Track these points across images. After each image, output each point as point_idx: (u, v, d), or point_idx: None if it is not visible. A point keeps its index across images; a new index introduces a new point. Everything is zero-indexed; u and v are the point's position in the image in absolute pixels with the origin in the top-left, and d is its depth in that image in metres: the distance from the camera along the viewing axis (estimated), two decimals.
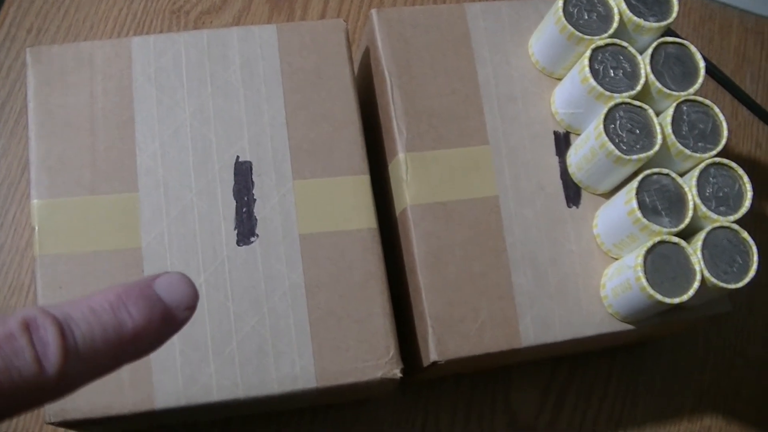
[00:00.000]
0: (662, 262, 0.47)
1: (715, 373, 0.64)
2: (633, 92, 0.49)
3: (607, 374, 0.62)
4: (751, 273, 0.47)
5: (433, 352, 0.48)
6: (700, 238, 0.47)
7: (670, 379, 0.63)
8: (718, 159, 0.49)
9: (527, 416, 0.61)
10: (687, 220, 0.48)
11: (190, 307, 0.26)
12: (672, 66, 0.51)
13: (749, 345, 0.65)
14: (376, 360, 0.47)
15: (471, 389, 0.60)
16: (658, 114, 0.50)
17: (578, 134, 0.53)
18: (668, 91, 0.50)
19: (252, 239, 0.49)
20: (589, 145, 0.49)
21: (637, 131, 0.49)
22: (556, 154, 0.53)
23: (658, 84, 0.50)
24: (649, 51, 0.50)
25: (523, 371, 0.61)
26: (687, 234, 0.48)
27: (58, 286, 0.47)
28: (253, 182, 0.50)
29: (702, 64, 0.51)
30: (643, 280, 0.46)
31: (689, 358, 0.64)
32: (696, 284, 0.46)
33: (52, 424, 0.45)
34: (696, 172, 0.49)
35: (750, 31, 0.74)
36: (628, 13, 0.51)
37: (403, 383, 0.49)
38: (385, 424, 0.59)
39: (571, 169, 0.52)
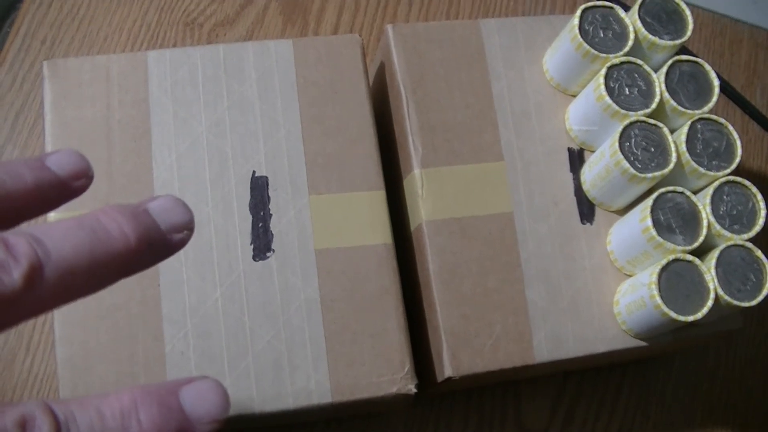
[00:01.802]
0: (676, 280, 0.47)
1: (726, 386, 0.64)
2: (648, 110, 0.50)
3: (618, 387, 0.63)
4: (765, 291, 0.47)
5: (447, 367, 0.48)
6: (713, 256, 0.47)
7: (681, 391, 0.63)
8: (732, 177, 0.49)
9: (538, 429, 0.61)
10: (701, 238, 0.48)
11: (215, 420, 0.24)
12: (686, 84, 0.51)
13: (759, 358, 0.65)
14: (391, 375, 0.48)
15: (482, 402, 0.61)
16: (672, 132, 0.50)
17: (592, 151, 0.53)
18: (683, 110, 0.50)
19: (268, 254, 0.49)
20: (604, 163, 0.49)
21: (652, 149, 0.49)
22: (570, 171, 0.53)
23: (672, 102, 0.50)
24: (664, 69, 0.51)
25: (533, 384, 0.62)
26: (701, 252, 0.48)
27: None
28: (269, 197, 0.50)
29: (716, 82, 0.51)
30: (658, 298, 0.46)
31: (700, 371, 0.64)
32: (710, 302, 0.46)
33: None
34: (710, 191, 0.49)
35: (760, 46, 0.74)
36: (643, 31, 0.51)
37: (415, 396, 0.49)
38: None
39: (585, 186, 0.52)
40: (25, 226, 0.24)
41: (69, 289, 0.23)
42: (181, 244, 0.26)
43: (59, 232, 0.23)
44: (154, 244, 0.26)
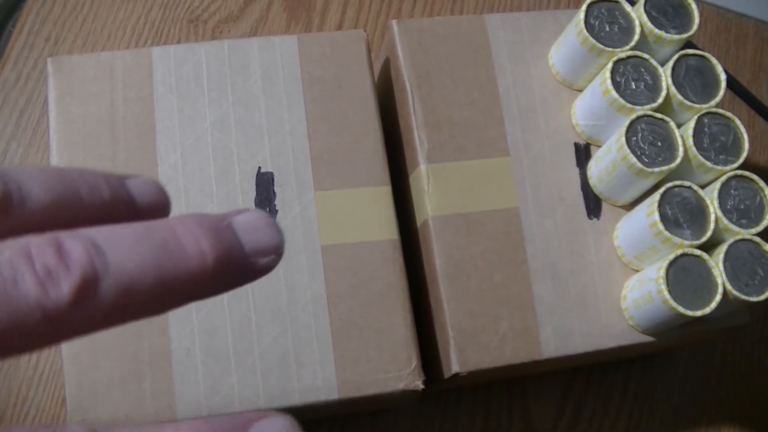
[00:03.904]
0: (684, 275, 0.47)
1: (733, 384, 0.64)
2: (654, 105, 0.50)
3: (625, 384, 0.62)
4: None
5: (454, 363, 0.48)
6: (721, 250, 0.47)
7: (688, 389, 0.63)
8: (739, 171, 0.49)
9: (545, 426, 0.60)
10: (709, 233, 0.48)
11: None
12: (693, 78, 0.51)
13: (766, 355, 0.65)
14: (397, 371, 0.47)
15: (488, 399, 0.60)
16: (679, 126, 0.50)
17: (599, 146, 0.53)
18: (689, 104, 0.50)
19: None
20: (611, 157, 0.49)
21: (659, 144, 0.49)
22: (577, 166, 0.53)
23: (679, 96, 0.50)
24: (671, 63, 0.50)
25: (540, 381, 0.61)
26: (708, 246, 0.48)
27: None
28: (274, 193, 0.50)
29: (723, 76, 0.51)
30: (666, 293, 0.46)
31: (706, 369, 0.64)
32: (718, 297, 0.46)
33: None
34: (717, 185, 0.49)
35: (766, 41, 0.74)
36: (649, 25, 0.51)
37: (422, 393, 0.49)
38: None
39: (592, 181, 0.52)
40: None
41: (125, 310, 0.20)
42: (266, 270, 0.22)
43: (125, 240, 0.20)
44: (235, 267, 0.22)
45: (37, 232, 0.19)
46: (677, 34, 0.51)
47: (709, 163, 0.49)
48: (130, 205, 0.23)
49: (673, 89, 0.50)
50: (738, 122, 0.50)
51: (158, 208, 0.23)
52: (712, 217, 0.48)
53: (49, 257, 0.19)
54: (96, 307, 0.19)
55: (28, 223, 0.20)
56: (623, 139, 0.48)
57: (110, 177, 0.23)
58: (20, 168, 0.21)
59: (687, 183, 0.48)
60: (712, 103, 0.50)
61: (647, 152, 0.48)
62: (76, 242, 0.19)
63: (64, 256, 0.19)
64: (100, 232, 0.20)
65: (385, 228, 0.50)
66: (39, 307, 0.18)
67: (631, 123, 0.49)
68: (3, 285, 0.18)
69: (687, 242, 0.47)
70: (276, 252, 0.23)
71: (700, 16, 0.52)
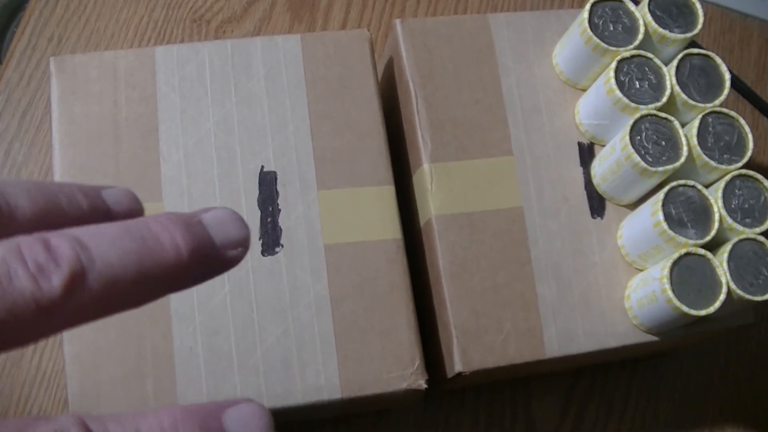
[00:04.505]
0: (688, 274, 0.47)
1: (737, 384, 0.64)
2: (659, 104, 0.49)
3: (628, 384, 0.62)
4: None
5: (458, 363, 0.48)
6: (725, 250, 0.47)
7: (691, 389, 0.63)
8: (743, 171, 0.49)
9: (548, 426, 0.60)
10: (713, 232, 0.47)
11: None
12: (697, 77, 0.51)
13: None
14: (401, 371, 0.47)
15: (492, 400, 0.60)
16: (683, 125, 0.50)
17: (602, 145, 0.53)
18: (693, 103, 0.50)
19: (277, 249, 0.49)
20: (615, 157, 0.49)
21: (663, 143, 0.49)
22: (581, 165, 0.53)
23: (683, 96, 0.50)
24: (675, 62, 0.50)
25: (543, 381, 0.61)
26: (712, 246, 0.48)
27: None
28: (277, 192, 0.50)
29: (727, 75, 0.51)
30: (669, 292, 0.46)
31: (710, 369, 0.64)
32: (722, 296, 0.46)
33: None
34: (721, 184, 0.48)
35: None
36: (653, 24, 0.51)
37: (425, 393, 0.49)
38: None
39: (596, 180, 0.52)
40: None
41: (111, 300, 0.22)
42: (235, 261, 0.24)
43: (106, 237, 0.22)
44: (207, 258, 0.24)
45: None
46: (681, 33, 0.51)
47: (713, 163, 0.49)
48: (107, 214, 0.25)
49: (677, 88, 0.50)
50: (742, 121, 0.50)
51: (133, 215, 0.25)
52: (717, 217, 0.48)
53: (39, 254, 0.20)
54: (85, 299, 0.21)
55: (17, 234, 0.21)
56: (627, 138, 0.48)
57: (87, 188, 0.25)
58: (4, 181, 0.23)
59: (691, 182, 0.48)
60: (717, 102, 0.50)
61: (651, 151, 0.48)
62: (62, 240, 0.21)
63: (53, 253, 0.20)
64: (84, 231, 0.21)
65: (388, 227, 0.50)
66: (33, 300, 0.20)
67: (635, 122, 0.49)
68: None
69: (691, 241, 0.47)
70: (243, 245, 0.25)
71: (705, 16, 0.52)
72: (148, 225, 0.23)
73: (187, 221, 0.23)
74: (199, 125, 0.51)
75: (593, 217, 0.52)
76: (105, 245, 0.21)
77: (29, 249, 0.20)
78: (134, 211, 0.26)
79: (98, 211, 0.25)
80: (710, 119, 0.50)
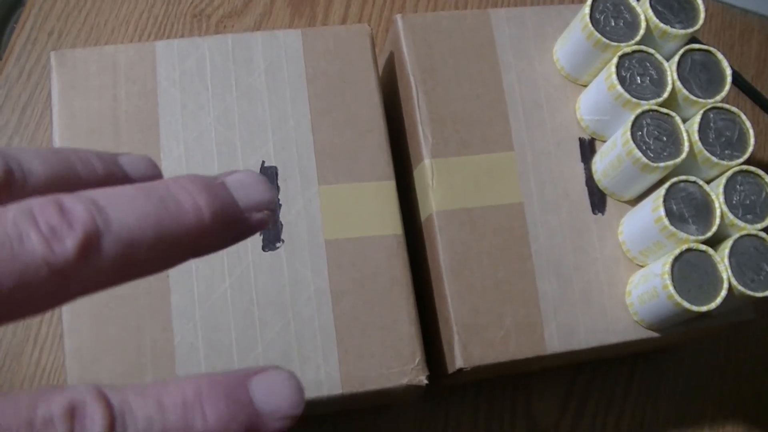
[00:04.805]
0: (689, 270, 0.46)
1: (737, 380, 0.64)
2: (660, 99, 0.49)
3: (628, 381, 0.62)
4: None
5: (458, 358, 0.48)
6: (727, 246, 0.47)
7: (692, 385, 0.63)
8: (745, 167, 0.49)
9: (548, 423, 0.60)
10: (714, 228, 0.47)
11: (288, 416, 0.21)
12: (698, 73, 0.51)
13: None
14: (401, 366, 0.47)
15: (492, 395, 0.60)
16: (684, 121, 0.50)
17: (603, 141, 0.53)
18: (695, 99, 0.50)
19: (277, 244, 0.49)
20: (616, 152, 0.49)
21: (664, 138, 0.48)
22: (581, 161, 0.52)
23: (684, 91, 0.50)
24: (676, 58, 0.50)
25: (544, 377, 0.61)
26: (714, 242, 0.48)
27: None
28: (278, 187, 0.49)
29: (728, 71, 0.51)
30: (671, 288, 0.46)
31: (710, 365, 0.64)
32: (723, 292, 0.46)
33: None
34: (723, 180, 0.48)
35: None
36: (654, 19, 0.51)
37: (426, 389, 0.49)
38: (407, 430, 0.59)
39: (597, 176, 0.52)
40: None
41: (129, 265, 0.20)
42: (261, 225, 0.23)
43: (123, 199, 0.20)
44: (230, 221, 0.22)
45: None
46: (683, 28, 0.51)
47: (714, 158, 0.49)
48: (124, 179, 0.24)
49: (678, 84, 0.50)
50: (743, 117, 0.50)
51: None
52: (718, 213, 0.48)
53: (52, 216, 0.19)
54: (100, 263, 0.19)
55: (30, 197, 0.20)
56: (628, 133, 0.48)
57: (103, 154, 0.24)
58: (18, 148, 0.22)
59: (692, 178, 0.48)
60: (718, 98, 0.50)
61: (652, 147, 0.48)
62: (77, 201, 0.20)
63: (67, 215, 0.19)
64: (99, 193, 0.20)
65: (389, 223, 0.50)
66: (46, 264, 0.19)
67: (637, 118, 0.48)
68: (9, 243, 0.18)
69: (692, 237, 0.47)
70: (269, 207, 0.23)
71: (705, 11, 0.52)
72: (167, 186, 0.21)
73: (209, 183, 0.22)
74: (200, 120, 0.50)
75: (594, 213, 0.52)
76: (122, 207, 0.20)
77: (42, 211, 0.19)
78: (152, 176, 0.25)
79: (114, 177, 0.23)
80: (711, 115, 0.50)
